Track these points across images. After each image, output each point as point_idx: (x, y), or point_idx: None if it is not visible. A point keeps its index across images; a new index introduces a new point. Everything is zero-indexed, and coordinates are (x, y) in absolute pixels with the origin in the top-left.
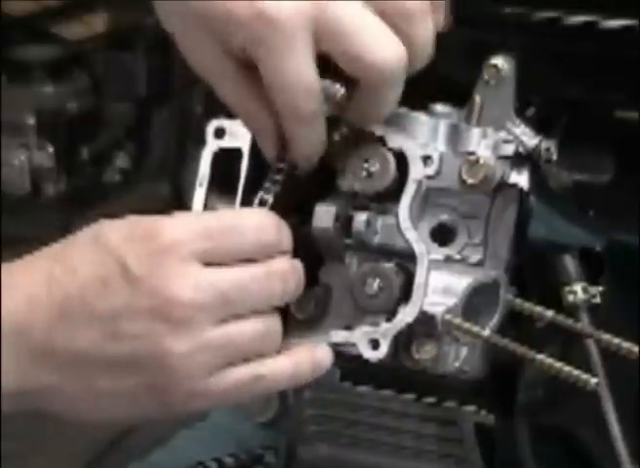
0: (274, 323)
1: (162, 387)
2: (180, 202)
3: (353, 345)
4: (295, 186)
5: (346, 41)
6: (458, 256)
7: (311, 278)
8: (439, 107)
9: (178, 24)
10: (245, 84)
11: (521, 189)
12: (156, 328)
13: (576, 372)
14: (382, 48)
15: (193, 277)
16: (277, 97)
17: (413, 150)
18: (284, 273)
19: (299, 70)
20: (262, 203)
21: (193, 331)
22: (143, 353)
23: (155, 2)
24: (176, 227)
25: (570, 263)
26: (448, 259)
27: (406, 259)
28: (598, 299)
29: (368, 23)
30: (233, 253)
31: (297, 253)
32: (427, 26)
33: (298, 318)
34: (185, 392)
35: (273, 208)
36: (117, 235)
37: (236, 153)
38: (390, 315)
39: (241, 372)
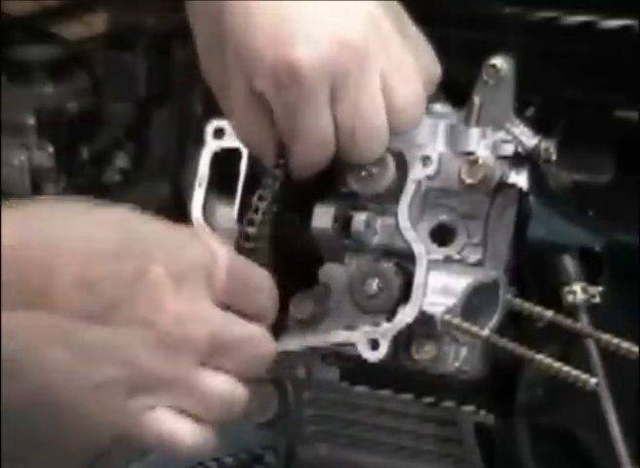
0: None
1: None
2: (180, 202)
3: (353, 345)
4: (294, 185)
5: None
6: (457, 257)
7: (311, 278)
8: (438, 107)
9: (203, 36)
10: (254, 112)
11: (520, 189)
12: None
13: (575, 372)
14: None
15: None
16: (290, 144)
17: (412, 151)
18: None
19: (315, 124)
20: (251, 223)
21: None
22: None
23: (187, 5)
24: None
25: (569, 263)
26: (447, 259)
27: (405, 260)
28: (598, 299)
29: (372, 108)
30: None
31: (296, 253)
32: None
33: (297, 318)
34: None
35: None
36: None
37: (236, 153)
38: (390, 315)
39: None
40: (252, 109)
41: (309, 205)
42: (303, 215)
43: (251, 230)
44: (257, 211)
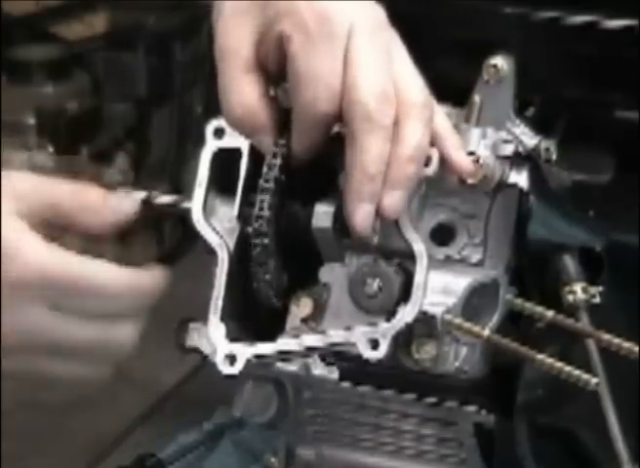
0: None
1: None
2: None
3: (353, 345)
4: (295, 179)
5: (350, 77)
6: (457, 256)
7: (311, 278)
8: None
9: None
10: (253, 76)
11: (521, 189)
12: None
13: (576, 372)
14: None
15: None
16: (299, 92)
17: None
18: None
19: (332, 70)
20: (259, 217)
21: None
22: None
23: None
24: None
25: (570, 263)
26: (448, 259)
27: (406, 259)
28: (598, 299)
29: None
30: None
31: (295, 252)
32: (418, 127)
33: (297, 318)
34: None
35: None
36: None
37: (236, 153)
38: (390, 315)
39: None
40: (251, 75)
41: (310, 203)
42: (304, 213)
43: (256, 225)
44: (262, 202)
